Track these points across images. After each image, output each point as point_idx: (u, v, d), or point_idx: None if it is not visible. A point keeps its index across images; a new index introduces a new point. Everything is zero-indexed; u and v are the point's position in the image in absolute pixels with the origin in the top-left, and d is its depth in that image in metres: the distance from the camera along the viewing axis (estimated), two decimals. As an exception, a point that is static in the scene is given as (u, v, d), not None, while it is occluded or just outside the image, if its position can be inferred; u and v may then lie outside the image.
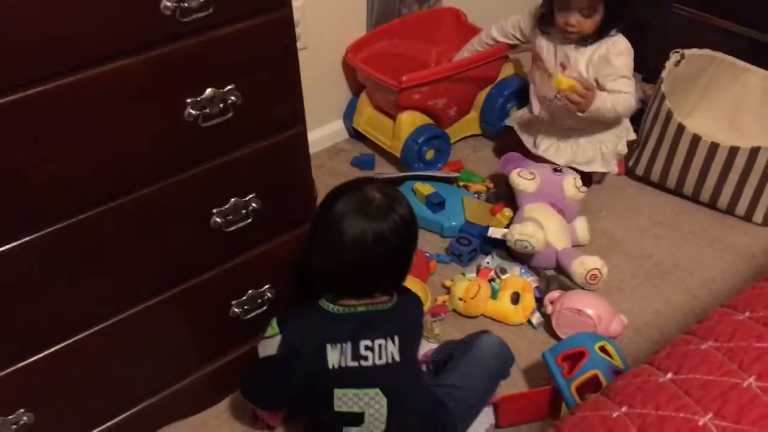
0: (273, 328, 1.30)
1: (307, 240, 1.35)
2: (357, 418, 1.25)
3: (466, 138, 2.33)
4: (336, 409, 1.25)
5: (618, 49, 1.88)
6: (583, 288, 1.75)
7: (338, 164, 2.24)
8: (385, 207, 1.25)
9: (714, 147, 1.90)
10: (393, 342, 1.26)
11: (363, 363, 1.24)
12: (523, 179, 1.87)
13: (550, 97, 2.00)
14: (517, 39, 2.12)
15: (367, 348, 1.25)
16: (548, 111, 2.04)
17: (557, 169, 1.91)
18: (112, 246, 1.20)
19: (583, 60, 1.91)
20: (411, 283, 1.72)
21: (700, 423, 0.81)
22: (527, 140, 2.11)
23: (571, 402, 1.38)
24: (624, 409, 0.85)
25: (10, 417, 1.22)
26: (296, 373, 1.27)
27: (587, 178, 2.01)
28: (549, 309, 1.67)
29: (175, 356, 1.42)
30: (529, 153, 2.06)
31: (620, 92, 1.86)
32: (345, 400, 1.25)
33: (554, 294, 1.70)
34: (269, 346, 1.29)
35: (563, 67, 1.94)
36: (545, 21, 1.96)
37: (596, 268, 1.72)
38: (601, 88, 1.89)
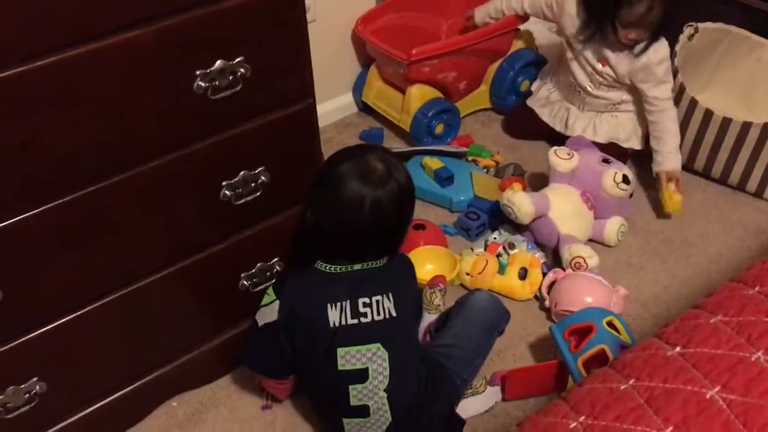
0: (269, 295, 1.33)
1: (306, 197, 1.37)
2: (361, 375, 1.27)
3: (476, 112, 2.31)
4: (340, 367, 1.27)
5: (659, 57, 1.87)
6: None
7: (347, 138, 2.24)
8: (384, 176, 1.28)
9: (726, 122, 1.88)
10: (389, 298, 1.29)
11: (362, 320, 1.28)
12: (557, 157, 1.83)
13: (585, 86, 2.00)
14: (547, 18, 2.08)
15: (365, 305, 1.28)
16: (581, 99, 2.04)
17: (606, 160, 1.85)
18: (122, 218, 1.21)
19: (625, 63, 1.90)
20: (442, 253, 1.75)
21: (708, 396, 0.81)
22: (555, 123, 2.09)
23: (577, 376, 1.38)
24: (631, 381, 0.85)
25: (23, 386, 1.23)
26: (297, 334, 1.30)
27: (623, 156, 2.00)
28: (547, 302, 1.67)
29: (185, 328, 1.44)
30: (555, 133, 2.06)
31: (660, 100, 1.90)
32: (348, 357, 1.27)
33: (550, 277, 1.69)
34: (268, 313, 1.31)
35: (603, 64, 1.94)
36: (594, 32, 1.91)
37: (580, 257, 1.69)
38: (641, 92, 1.93)
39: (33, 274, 1.16)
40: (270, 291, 1.34)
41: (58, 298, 1.21)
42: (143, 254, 1.28)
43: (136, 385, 1.42)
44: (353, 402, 1.28)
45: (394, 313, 1.29)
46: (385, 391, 1.28)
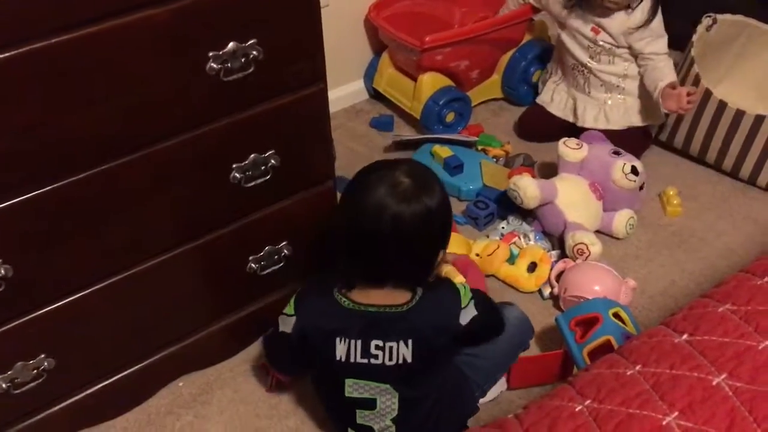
0: (290, 306, 1.28)
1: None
2: (369, 403, 1.24)
3: (487, 101, 2.31)
4: (347, 395, 1.25)
5: (649, 14, 1.88)
6: (572, 259, 1.73)
7: (357, 125, 2.24)
8: (411, 192, 1.17)
9: (739, 114, 1.86)
10: (406, 345, 1.20)
11: (372, 361, 1.21)
12: (567, 147, 1.84)
13: (586, 62, 2.00)
14: (539, 5, 2.11)
15: (377, 347, 1.21)
16: (585, 79, 2.03)
17: (616, 152, 1.84)
18: (131, 197, 1.22)
19: (618, 23, 1.91)
20: (454, 238, 1.71)
21: (714, 383, 0.82)
22: (567, 115, 2.09)
23: (582, 366, 1.39)
24: (638, 367, 0.86)
25: (31, 362, 1.25)
26: (306, 356, 1.28)
27: (647, 139, 2.01)
28: (556, 289, 1.67)
29: (192, 308, 1.44)
30: (573, 128, 2.04)
31: (659, 54, 1.91)
32: (356, 387, 1.24)
33: (559, 266, 1.69)
34: (286, 323, 1.27)
35: (596, 32, 1.94)
36: None
37: (582, 243, 1.70)
38: (637, 51, 1.92)
39: (43, 252, 1.17)
40: (292, 302, 1.28)
41: (67, 276, 1.22)
42: (152, 234, 1.28)
43: (142, 364, 1.43)
44: (359, 420, 1.26)
45: (409, 360, 1.20)
46: (392, 420, 1.25)
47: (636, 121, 2.02)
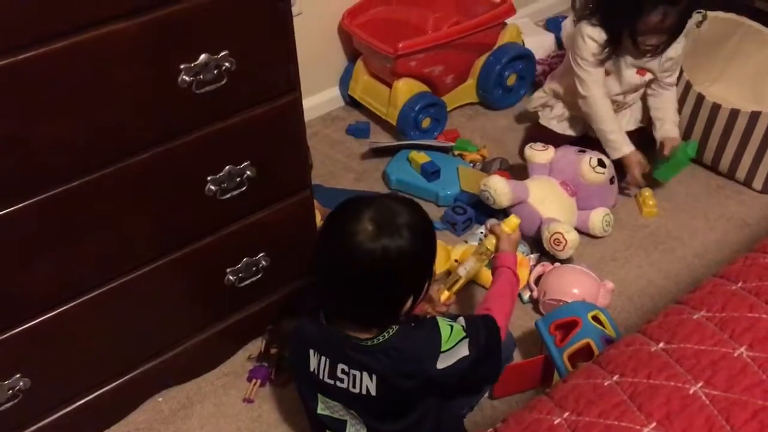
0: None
1: None
2: (339, 425, 1.23)
3: (462, 106, 2.31)
4: (320, 411, 1.24)
5: (682, 46, 1.86)
6: (550, 252, 1.74)
7: (333, 132, 2.23)
8: (369, 235, 1.08)
9: (734, 114, 1.87)
10: (370, 378, 1.15)
11: (338, 384, 1.19)
12: (534, 150, 1.88)
13: (618, 99, 1.94)
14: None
15: (343, 372, 1.18)
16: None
17: (582, 150, 1.86)
18: (105, 213, 1.20)
19: (656, 63, 1.87)
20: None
21: (691, 391, 0.82)
22: (575, 131, 2.04)
23: (563, 370, 1.39)
24: (615, 377, 0.86)
25: (6, 382, 1.22)
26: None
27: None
28: (535, 293, 1.67)
29: (170, 323, 1.43)
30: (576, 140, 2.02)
31: (672, 86, 1.91)
32: (329, 404, 1.23)
33: (538, 270, 1.70)
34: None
35: (642, 74, 1.89)
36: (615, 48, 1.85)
37: (558, 232, 1.71)
38: (658, 80, 1.91)
39: (16, 269, 1.15)
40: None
41: (41, 293, 1.20)
42: (127, 249, 1.27)
43: (121, 380, 1.41)
44: None
45: (373, 393, 1.16)
46: None
47: (643, 120, 2.01)
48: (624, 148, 1.88)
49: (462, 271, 1.43)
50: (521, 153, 2.04)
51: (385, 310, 1.15)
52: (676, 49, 1.85)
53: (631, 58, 1.87)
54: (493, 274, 1.40)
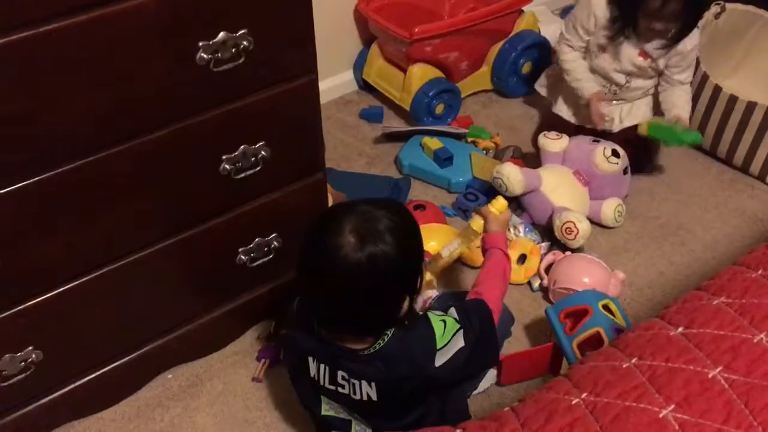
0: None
1: None
2: (344, 424, 1.23)
3: (476, 93, 2.30)
4: (324, 412, 1.24)
5: (693, 44, 1.84)
6: (561, 241, 1.74)
7: (346, 116, 2.23)
8: (352, 245, 1.06)
9: (751, 107, 1.86)
10: (370, 385, 1.15)
11: (340, 390, 1.19)
12: (547, 139, 1.88)
13: (622, 83, 1.94)
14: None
15: (344, 378, 1.18)
16: (612, 93, 1.97)
17: (596, 140, 1.86)
18: (120, 189, 1.21)
19: (663, 52, 1.86)
20: (443, 230, 1.71)
21: (710, 375, 0.82)
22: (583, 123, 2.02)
23: (572, 358, 1.39)
24: (634, 360, 0.86)
25: (18, 354, 1.24)
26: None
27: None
28: (545, 281, 1.67)
29: (182, 300, 1.44)
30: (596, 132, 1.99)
31: (684, 84, 1.89)
32: (333, 405, 1.24)
33: (549, 258, 1.70)
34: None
35: (644, 57, 1.88)
36: (623, 26, 1.85)
37: (570, 221, 1.70)
38: (667, 75, 1.89)
39: (30, 243, 1.16)
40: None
41: (55, 267, 1.21)
42: (141, 225, 1.27)
43: (131, 356, 1.42)
44: None
45: (374, 398, 1.16)
46: None
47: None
48: (587, 92, 1.91)
49: (445, 252, 1.44)
50: (534, 141, 2.04)
51: (383, 316, 1.14)
52: (685, 44, 1.82)
53: (637, 42, 1.86)
54: (483, 255, 1.39)
